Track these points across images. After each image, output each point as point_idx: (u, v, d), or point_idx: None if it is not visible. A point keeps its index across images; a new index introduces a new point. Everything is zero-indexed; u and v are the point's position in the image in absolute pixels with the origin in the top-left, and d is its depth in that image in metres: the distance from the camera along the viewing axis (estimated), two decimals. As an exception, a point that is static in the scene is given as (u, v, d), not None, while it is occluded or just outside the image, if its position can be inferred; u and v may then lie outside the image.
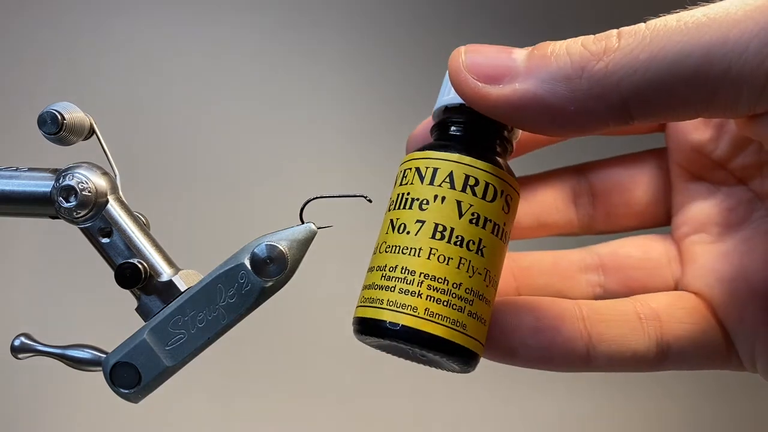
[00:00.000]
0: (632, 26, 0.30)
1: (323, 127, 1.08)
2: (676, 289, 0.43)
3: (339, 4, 1.10)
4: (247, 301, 0.41)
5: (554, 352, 0.37)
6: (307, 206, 0.41)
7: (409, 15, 1.12)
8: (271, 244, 0.40)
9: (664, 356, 0.38)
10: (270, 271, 0.40)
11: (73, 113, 0.43)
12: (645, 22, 0.30)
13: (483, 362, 0.37)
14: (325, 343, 1.05)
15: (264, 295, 0.41)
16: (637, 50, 0.29)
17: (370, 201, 0.41)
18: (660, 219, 0.46)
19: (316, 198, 0.41)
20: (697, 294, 0.41)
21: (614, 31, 0.31)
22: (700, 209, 0.43)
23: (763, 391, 1.17)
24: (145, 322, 0.42)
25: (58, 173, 0.42)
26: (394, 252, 0.35)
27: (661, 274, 0.43)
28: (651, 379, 1.14)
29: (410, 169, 0.37)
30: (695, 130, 0.42)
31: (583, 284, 0.44)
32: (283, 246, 0.40)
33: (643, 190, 0.45)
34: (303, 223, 0.41)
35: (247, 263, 0.40)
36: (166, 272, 0.42)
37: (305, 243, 0.41)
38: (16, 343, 0.44)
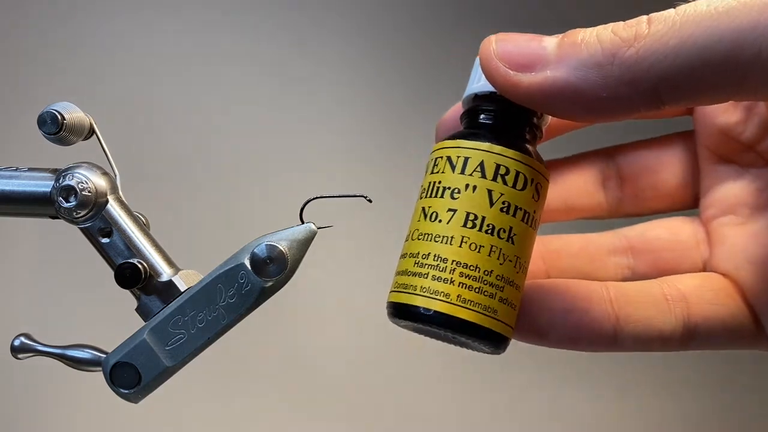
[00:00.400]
0: (662, 12, 0.31)
1: (323, 127, 1.08)
2: (704, 270, 0.43)
3: (339, 6, 1.10)
4: (247, 301, 0.41)
5: (582, 333, 0.38)
6: (307, 206, 0.41)
7: (407, 17, 1.12)
8: (271, 244, 0.40)
9: (691, 337, 0.39)
10: (270, 271, 0.40)
11: (73, 113, 0.43)
12: (675, 7, 0.30)
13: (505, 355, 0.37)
14: (325, 342, 1.05)
15: (264, 295, 0.41)
16: (666, 36, 0.29)
17: (370, 201, 0.41)
18: (688, 202, 0.46)
19: (316, 198, 0.41)
20: (726, 275, 0.41)
21: (644, 17, 0.31)
22: (729, 191, 0.43)
23: None
24: (145, 322, 0.42)
25: (58, 173, 0.42)
26: (427, 240, 0.36)
27: (690, 255, 0.43)
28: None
29: (441, 157, 0.38)
30: (723, 113, 0.42)
31: (612, 267, 0.44)
32: (283, 246, 0.40)
33: (671, 173, 0.45)
34: (303, 223, 0.41)
35: (247, 263, 0.40)
36: (166, 272, 0.42)
37: (305, 243, 0.41)
38: (16, 343, 0.44)
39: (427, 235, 0.36)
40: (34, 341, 0.44)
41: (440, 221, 0.36)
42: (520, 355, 1.11)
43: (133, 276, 0.41)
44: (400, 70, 1.11)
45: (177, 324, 0.41)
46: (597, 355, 1.08)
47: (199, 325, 0.41)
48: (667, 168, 0.46)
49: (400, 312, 0.37)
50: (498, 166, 0.35)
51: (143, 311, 0.42)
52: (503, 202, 0.35)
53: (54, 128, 0.42)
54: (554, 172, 0.46)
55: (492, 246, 0.35)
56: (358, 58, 1.11)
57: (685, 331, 0.38)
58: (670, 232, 0.44)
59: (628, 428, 1.15)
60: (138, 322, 0.42)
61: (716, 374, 1.15)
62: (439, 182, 0.37)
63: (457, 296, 0.34)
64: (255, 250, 0.40)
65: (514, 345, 0.38)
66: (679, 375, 1.15)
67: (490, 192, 0.35)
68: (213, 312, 0.41)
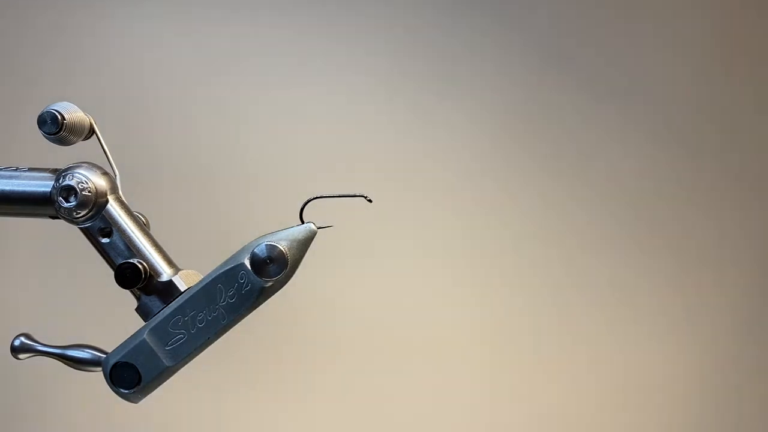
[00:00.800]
0: None
1: (323, 128, 1.08)
2: None
3: (339, 7, 1.10)
4: (247, 301, 0.41)
5: None
6: (307, 206, 0.41)
7: (413, 19, 1.12)
8: (271, 244, 0.40)
9: None
10: (270, 271, 0.40)
11: (73, 113, 0.43)
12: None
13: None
14: (326, 343, 1.05)
15: (264, 295, 0.41)
16: None
17: (370, 201, 0.41)
18: None
19: (316, 198, 0.41)
20: None
21: None
22: None
23: None
24: (145, 322, 0.42)
25: (58, 173, 0.43)
26: None
27: None
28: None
29: None
30: None
31: None
32: (283, 246, 0.40)
33: None
34: (303, 223, 0.41)
35: (247, 263, 0.40)
36: (166, 272, 0.42)
37: (305, 243, 0.41)
38: (16, 343, 0.44)
39: None
40: (34, 341, 0.44)
41: None
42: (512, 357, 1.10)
43: (133, 276, 0.41)
44: (400, 69, 1.11)
45: (177, 324, 0.41)
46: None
47: (199, 325, 0.41)
48: None
49: None
50: None
51: (143, 311, 0.42)
52: None
53: (54, 128, 0.42)
54: None
55: None
56: (358, 57, 1.11)
57: None
58: None
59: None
60: (138, 322, 0.42)
61: None
62: None
63: None
64: (255, 250, 0.40)
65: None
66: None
67: None
68: (213, 312, 0.41)
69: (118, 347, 0.42)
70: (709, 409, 1.15)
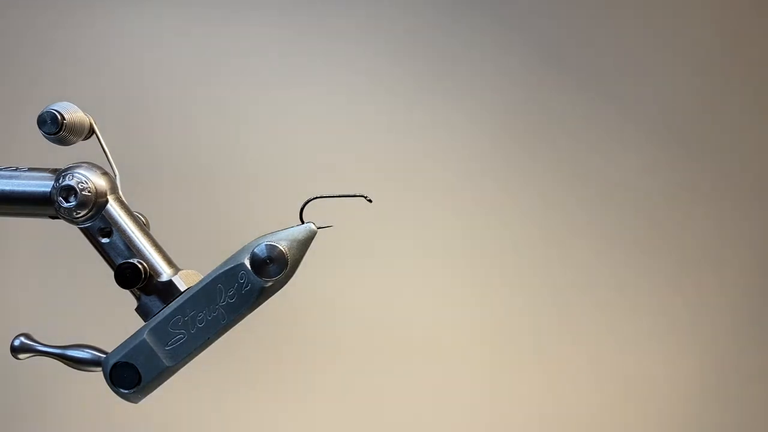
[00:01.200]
0: None
1: (323, 128, 1.08)
2: None
3: (340, 8, 1.10)
4: (247, 301, 0.41)
5: None
6: (307, 206, 0.41)
7: (411, 19, 1.12)
8: (271, 244, 0.40)
9: None
10: (270, 271, 0.40)
11: (73, 113, 0.43)
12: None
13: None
14: (326, 343, 1.05)
15: (264, 295, 0.41)
16: None
17: (370, 201, 0.41)
18: None
19: (316, 198, 0.41)
20: None
21: None
22: None
23: None
24: (145, 322, 0.42)
25: (58, 173, 0.43)
26: None
27: None
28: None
29: None
30: None
31: None
32: (283, 246, 0.40)
33: None
34: (303, 223, 0.41)
35: (247, 263, 0.40)
36: (166, 272, 0.42)
37: (305, 243, 0.41)
38: (16, 343, 0.44)
39: None
40: (34, 341, 0.44)
41: None
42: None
43: (133, 276, 0.41)
44: (400, 69, 1.11)
45: (177, 324, 0.41)
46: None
47: (199, 325, 0.41)
48: None
49: None
50: None
51: (143, 311, 0.42)
52: None
53: (54, 128, 0.42)
54: None
55: None
56: (358, 57, 1.11)
57: None
58: None
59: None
60: (138, 322, 0.42)
61: None
62: None
63: None
64: (255, 250, 0.40)
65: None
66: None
67: None
68: (213, 312, 0.41)
69: (118, 347, 0.42)
70: (709, 409, 1.15)
